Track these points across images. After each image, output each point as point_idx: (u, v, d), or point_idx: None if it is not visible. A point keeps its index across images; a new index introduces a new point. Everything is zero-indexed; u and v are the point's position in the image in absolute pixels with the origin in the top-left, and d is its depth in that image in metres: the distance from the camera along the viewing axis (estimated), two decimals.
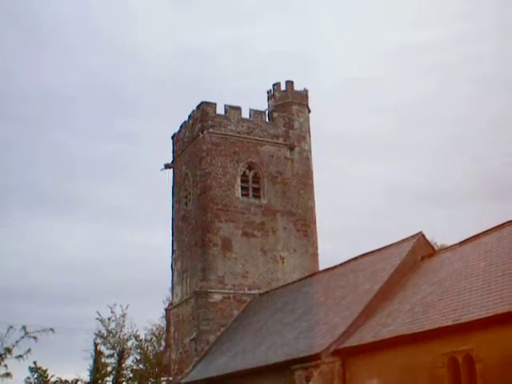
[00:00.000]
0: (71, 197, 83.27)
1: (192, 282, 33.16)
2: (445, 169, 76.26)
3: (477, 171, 74.50)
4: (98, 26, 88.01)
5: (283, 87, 36.76)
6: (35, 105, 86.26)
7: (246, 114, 35.06)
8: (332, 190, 72.54)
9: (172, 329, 35.25)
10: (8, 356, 17.98)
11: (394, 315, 19.11)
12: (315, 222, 35.36)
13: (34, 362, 44.09)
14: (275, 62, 73.26)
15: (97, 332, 45.32)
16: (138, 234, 72.15)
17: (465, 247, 20.43)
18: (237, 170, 34.06)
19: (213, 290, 31.87)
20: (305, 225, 34.80)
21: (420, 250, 22.47)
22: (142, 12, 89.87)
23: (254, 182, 34.49)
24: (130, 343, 46.49)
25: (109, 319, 45.52)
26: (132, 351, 46.78)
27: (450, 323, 15.97)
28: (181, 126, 37.19)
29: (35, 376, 45.13)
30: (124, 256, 74.66)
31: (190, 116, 36.01)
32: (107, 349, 45.77)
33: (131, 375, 46.95)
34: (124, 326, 45.90)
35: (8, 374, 18.45)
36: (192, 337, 31.86)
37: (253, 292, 32.35)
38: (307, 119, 36.84)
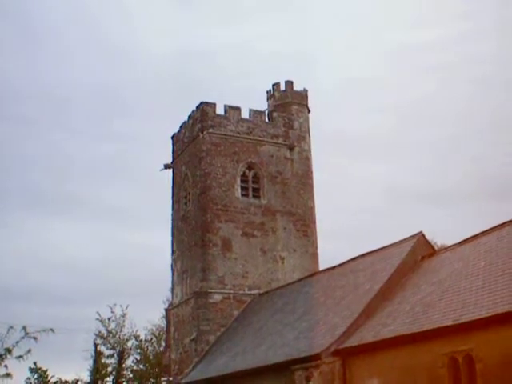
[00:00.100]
0: (71, 197, 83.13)
1: (192, 283, 33.15)
2: (445, 169, 76.19)
3: (477, 171, 74.57)
4: (97, 26, 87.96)
5: (283, 87, 36.74)
6: (33, 105, 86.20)
7: (245, 114, 35.07)
8: (332, 189, 72.52)
9: (172, 329, 35.25)
10: (8, 356, 17.93)
11: (394, 315, 19.12)
12: (315, 222, 35.35)
13: (35, 363, 44.05)
14: (275, 62, 73.28)
15: (97, 332, 45.33)
16: (138, 233, 72.06)
17: (465, 247, 20.43)
18: (236, 170, 34.05)
19: (213, 291, 31.87)
20: (305, 225, 34.79)
21: (420, 250, 22.46)
22: (141, 12, 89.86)
23: (253, 182, 34.49)
24: (130, 343, 46.51)
25: (109, 319, 45.50)
26: (132, 351, 46.75)
27: (449, 323, 15.98)
28: (180, 126, 37.20)
29: (35, 376, 45.08)
30: (124, 256, 74.76)
31: (189, 116, 36.02)
32: (107, 349, 45.79)
33: (131, 375, 46.89)
34: (124, 326, 45.89)
35: (8, 375, 18.39)
36: (192, 337, 31.85)
37: (253, 292, 32.35)
38: (307, 119, 36.84)
